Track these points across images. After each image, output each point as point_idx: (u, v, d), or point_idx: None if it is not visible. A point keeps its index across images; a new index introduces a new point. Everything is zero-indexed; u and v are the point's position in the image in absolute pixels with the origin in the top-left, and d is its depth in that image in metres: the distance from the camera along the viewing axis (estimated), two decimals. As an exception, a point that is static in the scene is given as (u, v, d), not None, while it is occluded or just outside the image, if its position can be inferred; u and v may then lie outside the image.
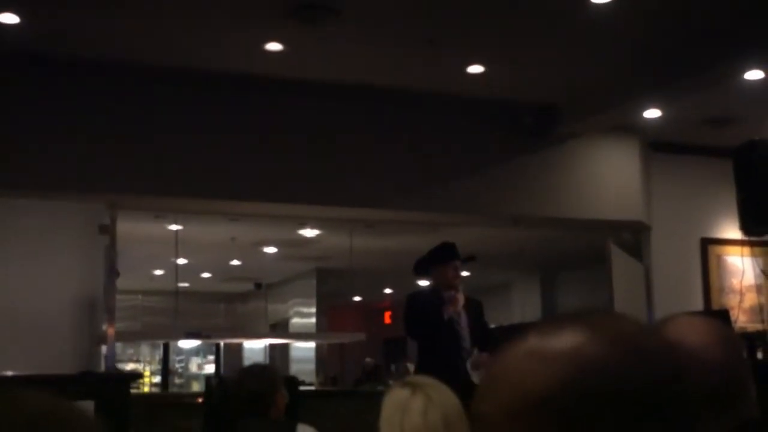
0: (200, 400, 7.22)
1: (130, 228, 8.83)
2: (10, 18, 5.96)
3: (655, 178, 8.62)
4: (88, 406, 5.05)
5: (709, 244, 8.75)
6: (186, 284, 14.82)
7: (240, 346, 16.76)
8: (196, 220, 10.26)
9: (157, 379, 14.98)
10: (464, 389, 2.70)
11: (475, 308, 6.04)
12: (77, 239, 7.06)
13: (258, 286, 16.21)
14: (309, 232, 11.40)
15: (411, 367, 7.56)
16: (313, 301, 15.27)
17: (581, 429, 0.80)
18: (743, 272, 7.77)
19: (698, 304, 8.37)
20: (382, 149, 7.58)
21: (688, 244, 8.68)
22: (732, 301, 8.31)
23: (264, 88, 7.22)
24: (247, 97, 7.25)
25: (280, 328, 16.30)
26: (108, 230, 6.91)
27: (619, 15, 5.99)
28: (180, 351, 17.21)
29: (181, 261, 12.80)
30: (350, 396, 8.83)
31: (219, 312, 18.08)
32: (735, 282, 8.49)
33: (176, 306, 13.22)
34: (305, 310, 15.63)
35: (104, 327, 6.92)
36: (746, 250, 7.26)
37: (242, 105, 7.25)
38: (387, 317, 18.44)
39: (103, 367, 7.03)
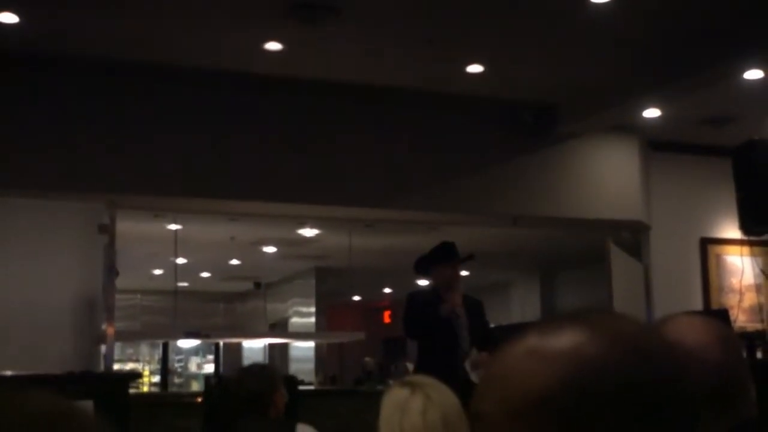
0: (199, 399, 7.22)
1: (130, 227, 8.82)
2: (10, 18, 5.96)
3: (654, 178, 8.62)
4: (87, 405, 5.05)
5: (708, 244, 8.75)
6: (185, 284, 14.82)
7: (239, 345, 16.76)
8: (195, 219, 10.25)
9: (156, 378, 14.99)
10: (463, 389, 2.70)
11: (475, 308, 6.04)
12: (76, 239, 7.06)
13: (257, 285, 16.20)
14: (308, 232, 11.40)
15: (410, 366, 7.56)
16: (313, 300, 15.26)
17: (581, 428, 0.80)
18: (742, 272, 7.78)
19: (698, 304, 8.37)
20: (382, 149, 7.58)
21: (687, 244, 8.68)
22: (731, 301, 8.31)
23: (263, 87, 7.22)
24: (246, 96, 7.26)
25: (279, 327, 16.30)
26: (107, 230, 6.91)
27: (619, 15, 5.99)
28: (179, 350, 17.21)
29: (181, 260, 12.80)
30: (349, 395, 8.83)
31: (218, 311, 18.08)
32: (734, 281, 8.50)
33: (175, 305, 13.21)
34: (304, 309, 15.62)
35: (103, 326, 6.92)
36: (746, 249, 7.26)
37: (242, 104, 7.25)
38: (386, 317, 18.44)
39: (102, 367, 7.03)
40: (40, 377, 5.53)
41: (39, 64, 6.64)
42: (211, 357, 14.94)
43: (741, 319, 8.01)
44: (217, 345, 11.48)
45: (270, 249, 13.02)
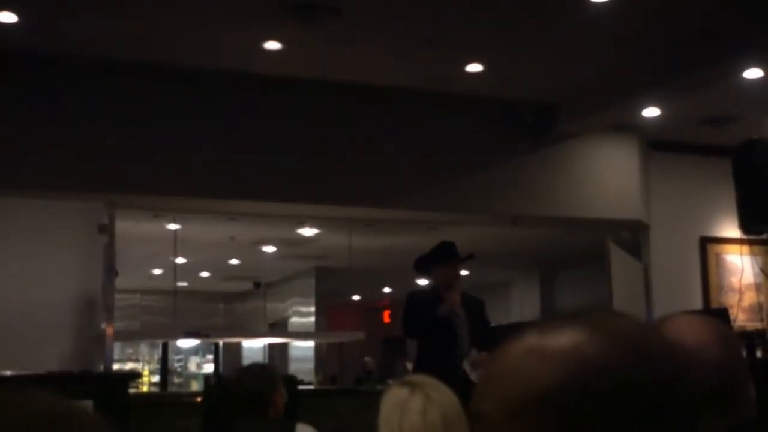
0: (199, 399, 7.22)
1: (129, 227, 8.82)
2: (9, 17, 5.95)
3: (654, 177, 8.62)
4: (87, 405, 5.05)
5: (708, 243, 8.75)
6: (185, 283, 14.82)
7: (239, 345, 16.77)
8: (195, 219, 10.25)
9: (156, 378, 15.01)
10: (463, 388, 2.70)
11: (475, 307, 6.04)
12: (76, 238, 7.06)
13: (257, 285, 16.21)
14: (308, 231, 11.40)
15: (410, 366, 7.56)
16: (312, 300, 15.26)
17: (581, 427, 0.80)
18: (742, 271, 7.78)
19: (697, 303, 8.37)
20: (381, 148, 7.58)
21: (687, 243, 8.68)
22: (731, 300, 8.31)
23: (263, 87, 7.21)
24: (246, 96, 7.26)
25: (279, 327, 16.29)
26: (107, 229, 6.91)
27: (618, 14, 5.99)
28: (179, 350, 17.21)
29: (180, 260, 12.81)
30: (349, 395, 8.83)
31: (218, 311, 18.08)
32: (734, 280, 8.50)
33: (175, 305, 13.21)
34: (304, 309, 15.62)
35: (103, 326, 6.92)
36: (745, 248, 7.26)
37: (241, 104, 7.25)
38: (386, 316, 18.44)
39: (102, 367, 7.02)
40: (40, 377, 5.54)
41: (39, 64, 6.63)
42: (210, 357, 14.94)
43: (741, 318, 8.01)
44: (216, 345, 11.49)
45: (270, 249, 13.02)
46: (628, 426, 0.80)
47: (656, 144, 8.62)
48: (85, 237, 7.00)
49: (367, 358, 14.45)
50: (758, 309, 8.50)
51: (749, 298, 8.35)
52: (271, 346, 16.28)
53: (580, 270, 13.19)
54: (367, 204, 7.73)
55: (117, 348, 12.24)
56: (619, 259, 8.32)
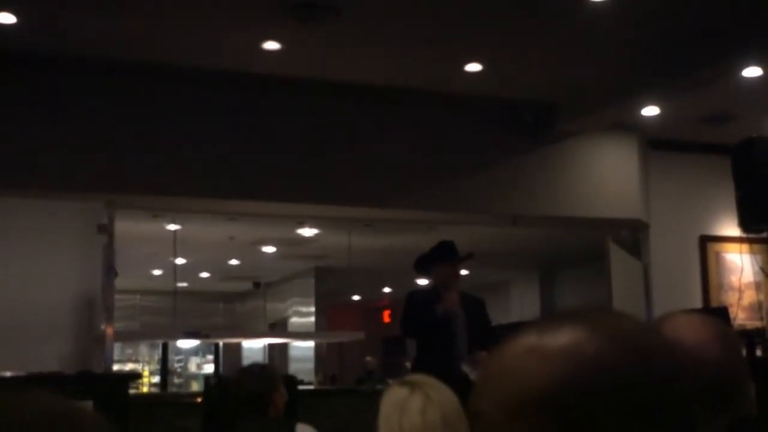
0: (199, 399, 7.22)
1: (129, 227, 8.82)
2: (8, 18, 5.95)
3: (653, 176, 8.62)
4: (87, 405, 5.04)
5: (707, 242, 8.75)
6: (185, 284, 14.81)
7: (239, 345, 16.75)
8: (194, 219, 10.25)
9: (156, 378, 14.99)
10: (462, 388, 2.69)
11: (475, 306, 6.04)
12: (75, 239, 7.06)
13: (257, 285, 16.21)
14: (308, 231, 11.39)
15: (410, 365, 7.56)
16: (312, 300, 15.26)
17: (580, 427, 0.80)
18: (742, 269, 7.77)
19: (697, 302, 8.37)
20: (381, 148, 7.58)
21: (686, 242, 8.68)
22: (731, 299, 8.31)
23: (263, 87, 7.21)
24: (245, 96, 7.26)
25: (278, 327, 16.29)
26: (106, 229, 6.91)
27: (618, 13, 5.99)
28: (179, 351, 17.20)
29: (180, 260, 12.80)
30: (349, 395, 8.83)
31: (218, 311, 18.07)
32: (734, 279, 8.50)
33: (175, 305, 13.21)
34: (304, 309, 15.62)
35: (103, 327, 6.92)
36: (745, 247, 7.26)
37: (240, 104, 7.25)
38: (386, 316, 18.43)
39: (102, 367, 7.02)
40: (39, 377, 5.53)
41: (39, 64, 6.63)
42: (210, 357, 14.94)
43: (740, 317, 8.01)
44: (216, 345, 11.48)
45: (269, 249, 13.02)
46: (627, 425, 0.80)
47: (656, 143, 8.62)
48: (84, 237, 7.00)
49: (368, 358, 14.45)
50: (758, 308, 8.50)
51: (749, 296, 8.36)
52: (271, 346, 16.27)
53: (580, 269, 13.19)
54: (367, 204, 7.73)
55: (117, 348, 12.23)
56: (618, 259, 8.32)
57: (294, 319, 16.00)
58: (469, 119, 7.79)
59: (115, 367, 9.06)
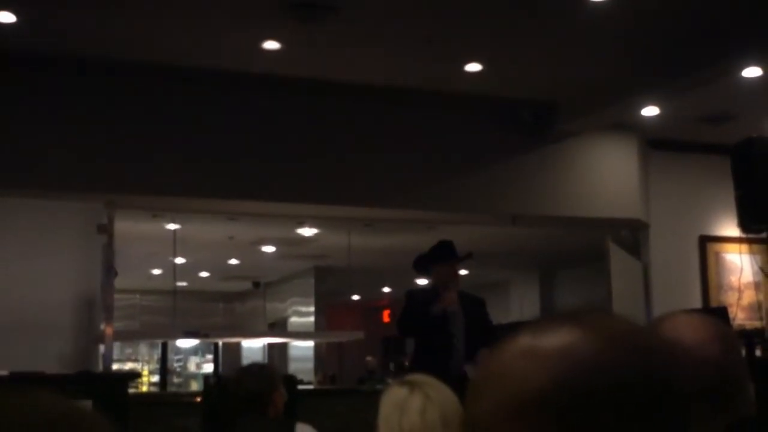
0: (199, 399, 7.23)
1: (128, 227, 8.82)
2: (7, 17, 5.95)
3: (653, 176, 8.62)
4: (86, 405, 5.05)
5: (707, 242, 8.75)
6: (184, 283, 14.82)
7: (238, 345, 16.76)
8: (194, 219, 10.25)
9: (155, 378, 15.00)
10: (462, 388, 2.69)
11: (474, 306, 6.03)
12: (75, 238, 7.06)
13: (256, 285, 16.21)
14: (307, 231, 11.40)
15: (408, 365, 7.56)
16: (312, 299, 15.26)
17: (580, 427, 0.80)
18: (741, 269, 7.78)
19: (697, 302, 8.37)
20: (381, 148, 7.58)
21: (686, 242, 8.68)
22: (730, 299, 8.31)
23: (263, 87, 7.22)
24: (245, 95, 7.26)
25: (278, 327, 16.29)
26: (106, 229, 6.91)
27: (617, 13, 5.99)
28: (178, 350, 17.20)
29: (180, 260, 12.80)
30: (349, 395, 8.83)
31: (217, 311, 18.07)
32: (733, 279, 8.50)
33: (174, 305, 13.21)
34: (304, 308, 15.62)
35: (102, 326, 6.92)
36: (744, 247, 7.26)
37: (240, 104, 7.25)
38: (385, 316, 18.43)
39: (101, 367, 7.03)
40: (39, 377, 5.53)
41: (39, 64, 6.63)
42: (210, 357, 14.93)
43: (740, 317, 8.02)
44: (216, 345, 11.48)
45: (269, 248, 13.02)
46: (624, 425, 0.80)
47: (655, 143, 8.63)
48: (84, 237, 7.00)
49: (369, 358, 14.46)
50: (757, 308, 8.50)
51: (748, 296, 8.36)
52: (270, 345, 16.27)
53: (579, 269, 13.20)
54: (367, 204, 7.73)
55: (116, 348, 12.22)
56: (618, 258, 8.32)
57: (294, 319, 16.00)
58: (469, 119, 7.79)
59: (115, 367, 9.06)
